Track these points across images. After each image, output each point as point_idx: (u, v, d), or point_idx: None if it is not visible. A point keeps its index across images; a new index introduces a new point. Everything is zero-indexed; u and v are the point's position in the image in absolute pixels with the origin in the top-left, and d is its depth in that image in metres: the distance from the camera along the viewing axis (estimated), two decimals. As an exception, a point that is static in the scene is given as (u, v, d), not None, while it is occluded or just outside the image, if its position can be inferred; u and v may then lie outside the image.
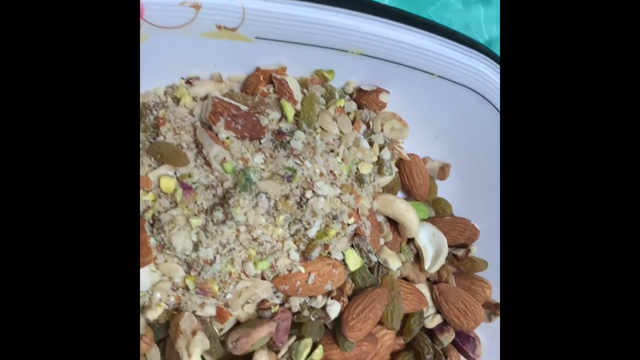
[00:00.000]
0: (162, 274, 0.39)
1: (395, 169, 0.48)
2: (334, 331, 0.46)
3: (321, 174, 0.40)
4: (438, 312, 0.51)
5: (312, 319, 0.44)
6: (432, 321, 0.51)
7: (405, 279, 0.51)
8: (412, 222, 0.49)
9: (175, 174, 0.38)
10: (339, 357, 0.46)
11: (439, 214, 0.53)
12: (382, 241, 0.49)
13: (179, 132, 0.39)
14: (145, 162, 0.38)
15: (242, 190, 0.38)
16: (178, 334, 0.38)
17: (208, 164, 0.39)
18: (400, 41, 0.43)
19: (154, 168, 0.38)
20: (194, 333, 0.38)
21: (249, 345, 0.41)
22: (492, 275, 0.52)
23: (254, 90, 0.42)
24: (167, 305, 0.39)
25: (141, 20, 0.35)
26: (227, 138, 0.39)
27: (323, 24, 0.40)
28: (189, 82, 0.41)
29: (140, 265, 0.36)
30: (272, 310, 0.44)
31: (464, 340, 0.52)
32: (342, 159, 0.42)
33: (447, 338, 0.51)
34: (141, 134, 0.39)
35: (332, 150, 0.42)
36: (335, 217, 0.42)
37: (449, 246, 0.52)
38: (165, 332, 0.41)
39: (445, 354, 0.50)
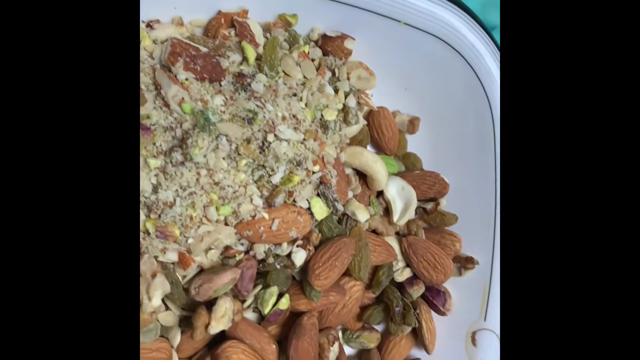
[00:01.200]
0: (121, 217, 0.38)
1: (362, 120, 0.48)
2: (301, 282, 0.46)
3: (283, 118, 0.40)
4: (407, 265, 0.51)
5: (278, 267, 0.44)
6: (402, 275, 0.51)
7: (374, 231, 0.51)
8: (380, 174, 0.49)
9: (133, 115, 0.38)
10: (306, 307, 0.46)
11: (408, 168, 0.53)
12: (350, 194, 0.49)
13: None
14: (103, 103, 0.38)
15: (200, 131, 0.37)
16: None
17: (167, 105, 0.38)
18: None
19: (112, 109, 0.38)
20: (153, 275, 0.38)
21: (211, 291, 0.41)
22: (462, 230, 0.52)
23: (215, 34, 0.41)
24: (128, 249, 0.39)
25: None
26: (186, 79, 0.39)
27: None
28: (149, 25, 0.41)
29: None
30: (237, 258, 0.43)
31: (434, 295, 0.52)
32: (306, 104, 0.42)
33: (417, 291, 0.51)
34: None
35: (295, 95, 0.42)
36: (299, 163, 0.42)
37: (419, 200, 0.52)
38: (127, 278, 0.40)
39: (414, 307, 0.51)
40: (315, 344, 0.46)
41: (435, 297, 0.52)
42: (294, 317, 0.47)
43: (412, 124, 0.52)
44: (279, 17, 0.43)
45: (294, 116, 0.41)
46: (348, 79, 0.45)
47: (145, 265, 0.38)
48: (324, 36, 0.45)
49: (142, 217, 0.38)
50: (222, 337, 0.44)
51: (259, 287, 0.45)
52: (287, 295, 0.45)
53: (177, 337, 0.43)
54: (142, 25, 0.41)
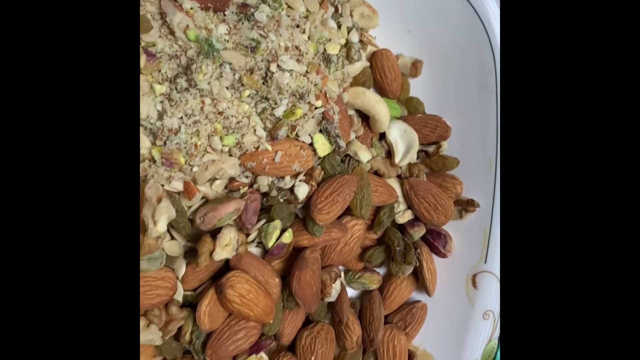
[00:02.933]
0: (128, 144, 0.39)
1: (365, 59, 0.48)
2: (304, 219, 0.47)
3: (286, 48, 0.41)
4: (409, 208, 0.52)
5: (281, 200, 0.45)
6: (403, 216, 0.52)
7: (376, 173, 0.52)
8: (382, 114, 0.49)
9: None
10: (308, 242, 0.47)
11: (410, 112, 0.54)
12: (353, 135, 0.50)
13: (144, 4, 0.39)
14: (109, 30, 0.38)
15: (205, 58, 0.38)
16: (143, 202, 0.39)
17: (172, 33, 0.39)
18: None
19: (118, 36, 0.38)
20: (159, 200, 0.39)
21: (216, 219, 0.42)
22: (463, 174, 0.53)
23: (219, -34, 0.42)
24: (134, 176, 0.40)
25: None
26: (191, 8, 0.39)
27: None
28: (153, -46, 0.41)
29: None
30: (241, 191, 0.44)
31: (435, 237, 0.53)
32: (309, 37, 0.43)
33: (418, 232, 0.52)
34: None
35: (297, 26, 0.42)
36: (302, 96, 0.42)
37: (420, 144, 0.53)
38: (134, 206, 0.41)
39: (415, 248, 0.51)
40: (318, 278, 0.47)
41: (436, 239, 0.53)
42: (296, 254, 0.48)
43: (415, 67, 0.52)
44: (282, -49, 0.43)
45: (297, 47, 0.41)
46: (351, 16, 0.46)
47: (151, 189, 0.39)
48: (327, -29, 0.45)
49: (148, 144, 0.39)
50: (226, 270, 0.46)
51: (263, 221, 0.46)
52: (290, 230, 0.46)
53: (182, 268, 0.44)
54: (147, -44, 0.41)
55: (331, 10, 0.45)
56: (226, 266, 0.46)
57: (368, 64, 0.50)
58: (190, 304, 0.46)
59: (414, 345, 0.54)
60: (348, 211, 0.49)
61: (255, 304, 0.44)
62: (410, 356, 0.53)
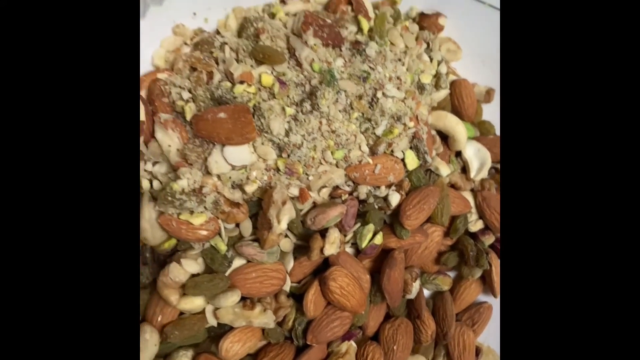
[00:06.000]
0: (258, 156, 0.47)
1: (448, 86, 0.55)
2: (392, 224, 0.54)
3: (390, 78, 0.48)
4: (480, 217, 0.59)
5: (376, 206, 0.53)
6: (475, 225, 0.59)
7: (453, 186, 0.59)
8: (461, 134, 0.56)
9: (272, 72, 0.47)
10: (395, 244, 0.54)
11: (483, 133, 0.61)
12: (434, 152, 0.57)
13: (275, 40, 0.47)
14: (248, 62, 0.47)
15: (327, 86, 0.46)
16: (270, 204, 0.47)
17: (299, 64, 0.47)
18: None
19: (255, 67, 0.47)
20: (284, 203, 0.47)
21: (325, 221, 0.49)
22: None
23: (335, 9, 0.50)
24: (261, 183, 0.48)
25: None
26: (315, 44, 0.47)
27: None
28: (282, 1, 0.50)
29: (246, 140, 0.45)
30: (343, 198, 0.52)
31: (502, 245, 0.59)
32: (407, 68, 0.50)
33: (488, 240, 0.58)
34: (244, 41, 0.47)
35: (399, 60, 0.50)
36: (399, 118, 0.50)
37: (492, 162, 0.60)
38: (257, 208, 0.49)
39: (487, 253, 0.58)
40: (402, 276, 0.54)
41: (503, 247, 0.59)
42: (383, 255, 0.55)
43: (488, 95, 0.59)
44: (385, -3, 0.52)
45: (398, 78, 0.49)
46: (439, 50, 0.53)
47: (278, 194, 0.47)
48: (421, 14, 0.53)
49: (274, 156, 0.47)
50: (325, 266, 0.53)
51: (358, 224, 0.53)
52: (380, 233, 0.53)
53: (290, 263, 0.52)
54: (277, 1, 0.49)
55: (424, 45, 0.52)
56: (324, 263, 0.53)
57: (449, 91, 0.57)
58: (293, 295, 0.54)
59: (479, 342, 0.60)
60: (428, 219, 0.56)
61: (352, 296, 0.51)
62: (477, 351, 0.60)
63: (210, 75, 0.46)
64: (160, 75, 0.47)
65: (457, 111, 0.59)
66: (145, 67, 0.48)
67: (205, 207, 0.45)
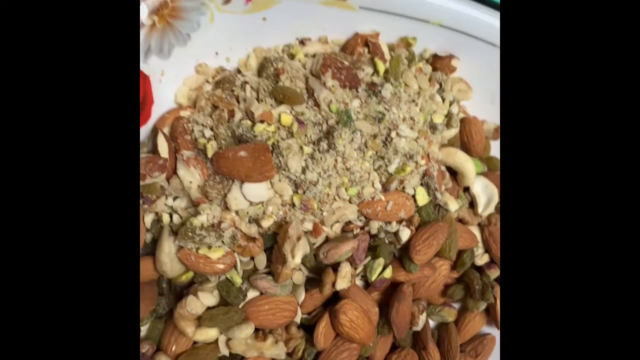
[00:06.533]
0: (275, 192, 0.48)
1: (459, 124, 0.57)
2: (401, 257, 0.56)
3: (404, 119, 0.50)
4: (486, 251, 0.60)
5: (386, 241, 0.54)
6: (482, 259, 0.60)
7: (461, 220, 0.60)
8: (470, 171, 0.58)
9: (291, 111, 0.48)
10: (404, 278, 0.56)
11: (491, 169, 0.62)
12: (443, 187, 0.58)
13: (294, 81, 0.49)
14: (268, 102, 0.48)
15: (343, 126, 0.47)
16: (286, 239, 0.48)
17: (317, 105, 0.48)
18: (473, 16, 0.52)
19: (275, 107, 0.48)
20: (298, 238, 0.48)
21: (337, 255, 0.51)
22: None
23: (352, 51, 0.52)
24: (276, 218, 0.49)
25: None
26: (333, 86, 0.49)
27: (412, -3, 0.50)
28: (302, 42, 0.51)
29: (265, 178, 0.46)
30: (355, 232, 0.53)
31: (507, 278, 0.60)
32: (420, 109, 0.52)
33: (493, 273, 0.60)
34: (264, 81, 0.49)
35: (413, 101, 0.51)
36: (411, 157, 0.51)
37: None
38: (271, 242, 0.50)
39: (492, 286, 0.59)
40: (410, 309, 0.55)
41: (508, 281, 0.60)
42: (391, 288, 0.56)
43: (497, 132, 0.61)
44: (401, 39, 0.53)
45: (412, 118, 0.51)
46: (451, 90, 0.55)
47: (294, 230, 0.48)
48: (435, 55, 0.55)
49: (290, 192, 0.49)
50: (335, 299, 0.54)
51: (369, 258, 0.54)
52: (390, 267, 0.55)
53: (302, 295, 0.53)
54: (297, 42, 0.51)
55: (436, 86, 0.54)
56: (334, 294, 0.55)
57: (459, 128, 0.59)
58: (303, 326, 0.55)
59: (482, 373, 0.61)
60: (436, 253, 0.57)
61: (361, 329, 0.53)
62: (481, 382, 0.61)
63: (232, 113, 0.48)
64: (183, 113, 0.48)
65: (466, 147, 0.61)
66: (168, 104, 0.49)
67: (222, 242, 0.46)
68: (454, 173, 0.60)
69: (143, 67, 0.45)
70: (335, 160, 0.48)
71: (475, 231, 0.60)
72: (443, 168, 0.59)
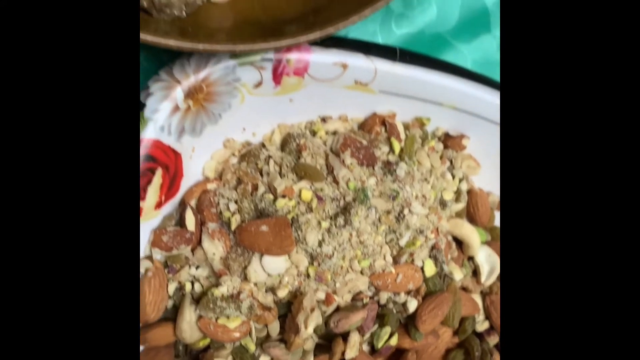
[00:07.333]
0: (291, 263, 0.51)
1: (467, 198, 0.60)
2: (406, 325, 0.58)
3: (416, 197, 0.53)
4: (487, 318, 0.63)
5: (394, 311, 0.56)
6: (482, 325, 0.62)
7: (464, 288, 0.63)
8: (475, 242, 0.61)
9: (311, 187, 0.51)
10: (409, 345, 0.58)
11: (494, 239, 0.65)
12: (449, 256, 0.61)
13: (315, 157, 0.51)
14: (290, 177, 0.51)
15: (360, 204, 0.50)
16: (300, 310, 0.50)
17: (335, 181, 0.51)
18: (483, 99, 0.56)
19: (296, 182, 0.51)
20: (312, 310, 0.50)
21: (347, 325, 0.53)
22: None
23: (370, 129, 0.54)
24: (292, 287, 0.51)
25: (305, 75, 0.48)
26: (351, 164, 0.51)
27: (429, 83, 0.53)
28: (323, 119, 0.54)
29: (284, 252, 0.48)
30: (364, 301, 0.55)
31: (506, 345, 0.63)
32: (432, 187, 0.55)
33: (493, 340, 0.62)
34: (287, 156, 0.51)
35: (425, 179, 0.54)
36: (421, 232, 0.54)
37: (501, 266, 0.64)
38: (285, 310, 0.52)
39: (491, 353, 0.62)
40: (414, 375, 0.57)
41: (507, 348, 0.63)
42: (395, 353, 0.58)
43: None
44: (416, 119, 0.56)
45: (424, 196, 0.53)
46: (460, 167, 0.58)
47: (308, 301, 0.50)
48: (447, 134, 0.58)
49: (306, 263, 0.51)
50: (341, 363, 0.56)
51: (377, 326, 0.56)
52: (396, 334, 0.57)
53: None
54: (319, 119, 0.54)
55: (447, 164, 0.57)
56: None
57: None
58: (309, 389, 0.56)
59: None
60: (440, 320, 0.59)
61: (366, 394, 0.54)
62: None
63: (255, 187, 0.50)
64: (209, 186, 0.50)
65: (471, 218, 0.63)
66: (196, 177, 0.51)
67: (240, 311, 0.48)
68: (459, 241, 0.62)
69: (176, 145, 0.47)
70: (350, 235, 0.51)
71: (477, 299, 0.62)
72: (450, 238, 0.61)
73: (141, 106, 0.44)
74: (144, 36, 0.35)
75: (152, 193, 0.47)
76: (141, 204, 0.45)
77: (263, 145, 0.53)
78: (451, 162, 0.58)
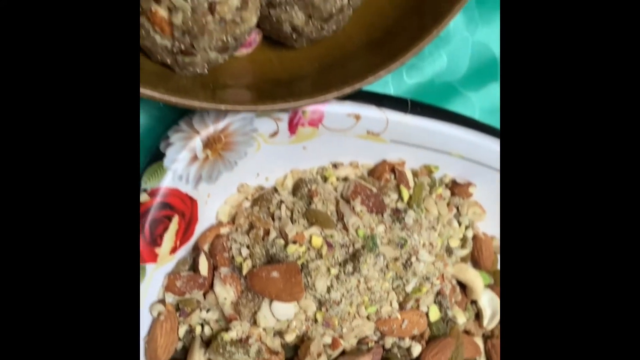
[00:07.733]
0: (300, 308, 0.51)
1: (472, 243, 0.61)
2: (408, 366, 0.59)
3: (424, 245, 0.54)
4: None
5: (399, 356, 0.57)
6: (483, 368, 0.63)
7: (466, 331, 0.63)
8: (479, 287, 0.61)
9: (321, 233, 0.52)
10: (411, 387, 0.58)
11: (497, 282, 0.66)
12: (453, 300, 0.62)
13: (326, 203, 0.52)
14: (301, 222, 0.52)
15: (368, 251, 0.51)
16: (307, 354, 0.51)
17: (345, 228, 0.52)
18: (488, 148, 0.57)
19: (307, 227, 0.52)
20: (319, 355, 0.51)
21: (352, 369, 0.53)
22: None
23: (380, 176, 0.56)
24: (299, 332, 0.52)
25: (320, 125, 0.50)
26: (361, 211, 0.53)
27: (438, 132, 0.55)
28: (335, 165, 0.55)
29: (294, 299, 0.49)
30: (369, 345, 0.56)
31: (507, 389, 0.63)
32: (439, 234, 0.56)
33: (494, 383, 0.63)
34: (298, 201, 0.53)
35: (432, 227, 0.55)
36: (427, 278, 0.55)
37: (503, 310, 0.65)
38: (292, 353, 0.53)
39: (490, 396, 0.62)
40: (415, 416, 0.58)
41: (507, 392, 0.63)
42: (398, 394, 0.59)
43: (504, 248, 0.65)
44: (424, 167, 0.58)
45: (431, 243, 0.54)
46: (467, 214, 0.59)
47: (315, 346, 0.51)
48: (454, 182, 0.59)
49: (314, 308, 0.51)
50: (345, 403, 0.56)
51: (381, 369, 0.57)
52: (398, 376, 0.57)
53: (314, 401, 0.55)
54: (330, 165, 0.55)
55: (454, 211, 0.58)
56: (345, 400, 0.57)
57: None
58: None
59: None
60: None
61: None
62: None
63: (267, 232, 0.51)
64: (222, 230, 0.51)
65: (475, 261, 0.64)
66: (209, 221, 0.52)
67: (248, 355, 0.49)
68: (462, 284, 0.63)
69: (193, 193, 0.48)
70: (358, 281, 0.51)
71: (479, 342, 0.63)
72: (454, 282, 0.62)
73: (160, 155, 0.45)
74: (169, 97, 0.37)
75: (168, 239, 0.48)
76: (157, 250, 0.47)
77: (275, 189, 0.54)
78: (458, 209, 0.59)
